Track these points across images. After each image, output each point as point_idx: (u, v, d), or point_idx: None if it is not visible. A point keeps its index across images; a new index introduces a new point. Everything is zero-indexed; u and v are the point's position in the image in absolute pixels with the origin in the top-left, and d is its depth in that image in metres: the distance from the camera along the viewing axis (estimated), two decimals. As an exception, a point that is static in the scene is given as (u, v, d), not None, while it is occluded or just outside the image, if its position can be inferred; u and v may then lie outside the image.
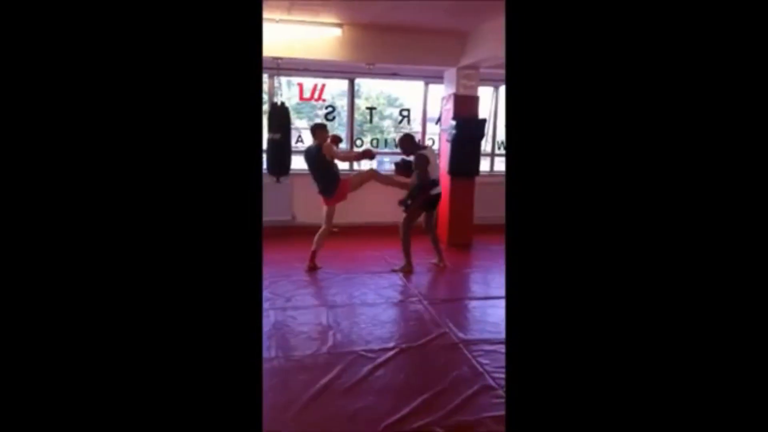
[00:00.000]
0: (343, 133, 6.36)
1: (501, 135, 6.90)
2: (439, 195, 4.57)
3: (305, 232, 4.99)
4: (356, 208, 5.67)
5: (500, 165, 6.94)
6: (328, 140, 4.47)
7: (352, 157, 5.03)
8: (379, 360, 2.79)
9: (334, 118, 6.37)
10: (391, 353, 2.89)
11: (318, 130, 4.44)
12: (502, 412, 2.30)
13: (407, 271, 4.49)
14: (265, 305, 3.53)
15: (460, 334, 3.18)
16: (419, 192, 4.36)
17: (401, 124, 6.53)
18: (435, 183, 4.47)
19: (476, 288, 4.46)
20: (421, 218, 4.60)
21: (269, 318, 3.35)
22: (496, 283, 4.42)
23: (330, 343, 3.01)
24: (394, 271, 4.52)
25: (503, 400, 2.41)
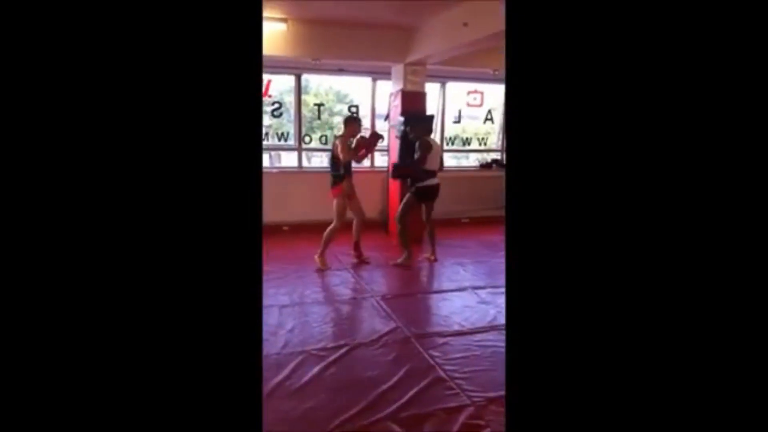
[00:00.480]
0: (291, 130, 6.27)
1: (449, 131, 6.99)
2: (434, 187, 4.57)
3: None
4: (305, 205, 5.60)
5: (449, 161, 7.03)
6: (358, 135, 4.47)
7: (359, 154, 4.48)
8: (331, 358, 2.77)
9: (281, 114, 6.27)
10: (342, 351, 2.87)
11: (347, 122, 4.49)
12: (454, 404, 2.34)
13: (408, 264, 4.61)
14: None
15: (412, 329, 3.20)
16: (408, 175, 4.58)
17: (350, 121, 6.49)
18: (429, 173, 4.49)
19: (428, 282, 4.50)
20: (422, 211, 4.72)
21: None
22: (447, 276, 4.48)
23: (281, 343, 2.95)
24: (395, 265, 4.61)
25: (455, 392, 2.45)
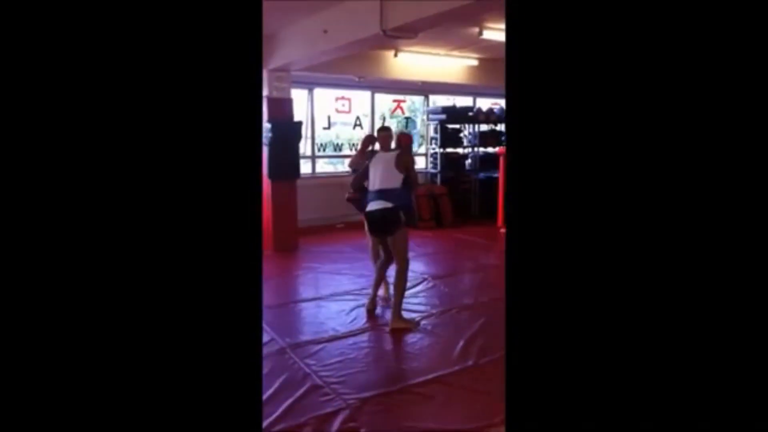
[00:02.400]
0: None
1: (319, 137, 7.00)
2: (374, 213, 3.24)
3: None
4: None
5: (322, 167, 7.05)
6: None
7: (359, 157, 3.59)
8: (200, 379, 2.62)
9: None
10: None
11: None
12: (329, 409, 2.33)
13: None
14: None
15: (287, 339, 3.15)
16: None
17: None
18: (371, 193, 3.29)
19: (304, 290, 4.46)
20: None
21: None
22: (324, 283, 4.47)
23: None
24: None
25: (330, 397, 2.45)
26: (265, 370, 2.75)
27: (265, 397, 2.43)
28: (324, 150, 7.10)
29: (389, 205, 3.17)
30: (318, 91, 6.82)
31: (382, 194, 3.20)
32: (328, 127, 7.10)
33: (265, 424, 2.20)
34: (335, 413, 2.30)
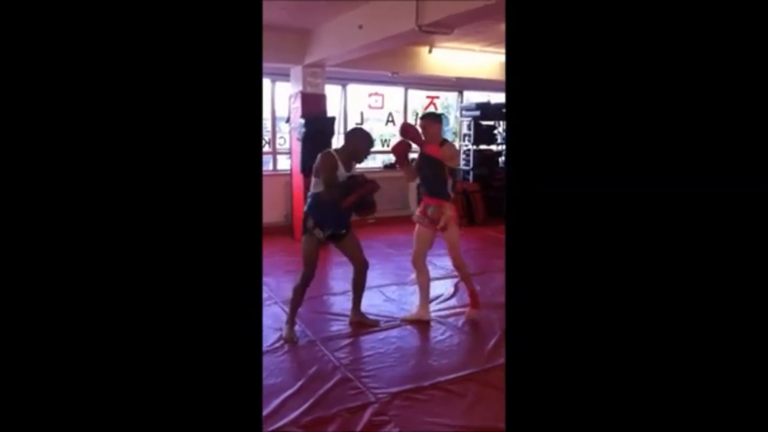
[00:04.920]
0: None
1: (352, 133, 7.03)
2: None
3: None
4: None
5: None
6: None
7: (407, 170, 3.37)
8: (232, 368, 2.67)
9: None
10: (245, 360, 2.77)
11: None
12: (358, 402, 2.35)
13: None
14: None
15: (318, 331, 3.18)
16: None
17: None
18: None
19: (335, 284, 4.48)
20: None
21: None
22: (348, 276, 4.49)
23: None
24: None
25: (359, 390, 2.46)
26: (294, 362, 2.80)
27: (294, 388, 2.46)
28: (356, 145, 7.12)
29: (305, 208, 3.12)
30: (351, 87, 6.84)
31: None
32: (361, 123, 7.12)
33: (294, 414, 2.23)
34: (364, 407, 2.31)
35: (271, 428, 2.13)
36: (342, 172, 2.95)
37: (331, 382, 2.53)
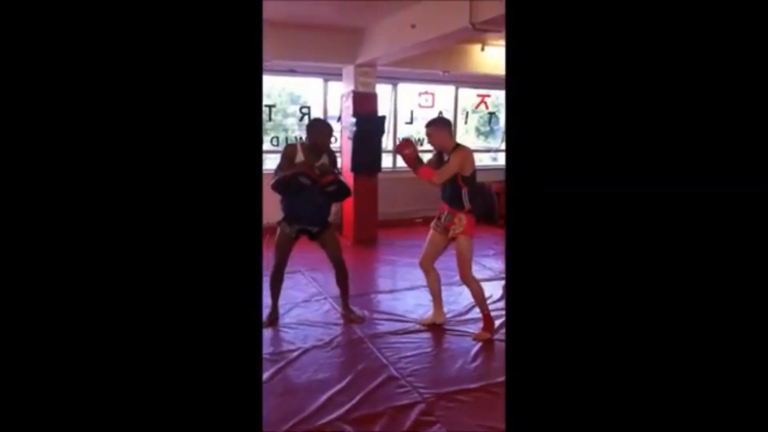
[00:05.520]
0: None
1: (402, 132, 7.04)
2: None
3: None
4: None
5: (402, 162, 7.08)
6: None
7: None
8: (283, 362, 2.74)
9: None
10: (295, 354, 2.84)
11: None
12: (405, 401, 2.36)
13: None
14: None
15: (365, 329, 3.21)
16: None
17: (302, 122, 6.45)
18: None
19: (382, 282, 4.52)
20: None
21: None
22: (401, 275, 4.51)
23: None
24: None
25: (406, 389, 2.47)
26: (342, 358, 2.83)
27: (342, 384, 2.50)
28: (405, 144, 7.13)
29: None
30: (402, 86, 6.85)
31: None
32: (411, 122, 7.12)
33: (342, 410, 2.27)
34: (411, 406, 2.32)
35: (319, 423, 2.18)
36: (300, 159, 3.04)
37: (379, 380, 2.55)
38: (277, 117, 6.49)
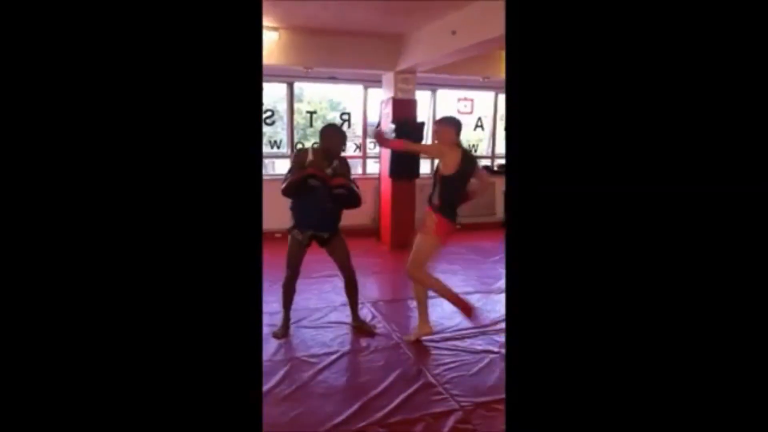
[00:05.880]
0: (283, 137, 6.30)
1: (440, 137, 7.04)
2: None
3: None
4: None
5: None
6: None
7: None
8: (321, 365, 2.79)
9: (273, 122, 6.30)
10: (333, 357, 2.88)
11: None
12: (442, 408, 2.36)
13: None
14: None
15: (403, 334, 3.22)
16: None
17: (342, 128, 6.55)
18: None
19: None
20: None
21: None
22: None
23: (271, 349, 2.97)
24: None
25: (443, 396, 2.47)
26: (380, 363, 2.85)
27: (380, 389, 2.52)
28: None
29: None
30: (441, 92, 6.85)
31: None
32: None
33: (378, 415, 2.29)
34: (448, 413, 2.32)
35: (356, 426, 2.20)
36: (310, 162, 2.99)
37: (415, 386, 2.56)
38: (317, 123, 6.60)
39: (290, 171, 3.01)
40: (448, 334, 3.25)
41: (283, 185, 2.94)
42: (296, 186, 2.91)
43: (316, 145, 3.15)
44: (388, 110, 5.61)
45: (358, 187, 3.05)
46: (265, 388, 2.51)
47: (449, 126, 2.94)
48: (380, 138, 3.18)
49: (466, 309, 3.02)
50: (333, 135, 3.06)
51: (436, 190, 2.92)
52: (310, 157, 3.00)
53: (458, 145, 2.92)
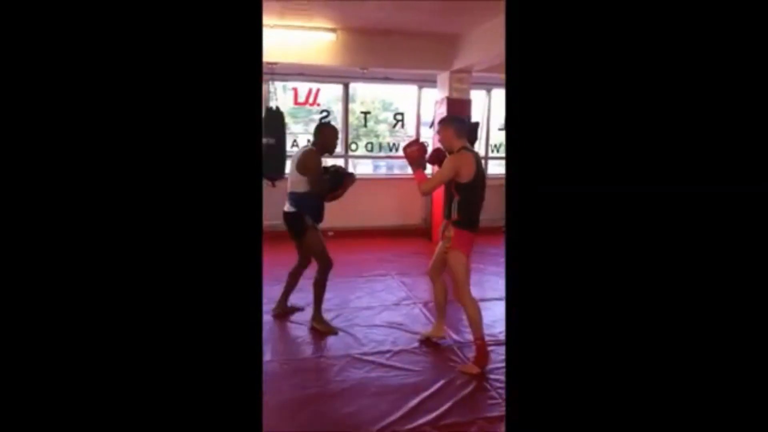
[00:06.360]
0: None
1: (494, 138, 6.94)
2: (286, 215, 3.19)
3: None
4: (349, 211, 5.69)
5: (494, 168, 6.97)
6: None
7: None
8: (373, 363, 2.81)
9: (328, 122, 6.40)
10: (386, 356, 2.90)
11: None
12: (495, 413, 2.33)
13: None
14: (265, 308, 3.55)
15: (455, 336, 3.20)
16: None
17: (395, 128, 6.57)
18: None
19: (474, 290, 4.46)
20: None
21: (265, 322, 3.37)
22: (491, 284, 4.44)
23: (325, 347, 3.02)
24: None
25: (497, 401, 2.44)
26: (433, 364, 2.85)
27: (432, 389, 2.52)
28: (497, 151, 7.02)
29: (291, 209, 3.15)
30: (496, 92, 6.75)
31: (289, 196, 3.18)
32: (504, 129, 6.99)
33: (431, 416, 2.29)
34: (502, 418, 2.28)
35: (408, 426, 2.21)
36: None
37: (469, 389, 2.54)
38: (370, 123, 6.66)
39: (303, 171, 3.09)
40: (501, 338, 3.20)
41: (324, 184, 3.14)
42: (340, 177, 3.26)
43: (310, 143, 3.37)
44: (443, 110, 5.58)
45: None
46: (318, 384, 2.56)
47: (448, 126, 2.75)
48: (411, 158, 2.90)
49: (483, 356, 2.75)
50: (329, 132, 3.22)
51: (454, 201, 2.69)
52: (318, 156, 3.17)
53: (466, 148, 2.70)
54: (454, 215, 2.71)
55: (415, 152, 2.81)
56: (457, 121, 2.80)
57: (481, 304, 3.86)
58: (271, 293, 3.57)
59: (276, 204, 3.44)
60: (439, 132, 2.84)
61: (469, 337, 3.21)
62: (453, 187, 2.69)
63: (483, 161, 6.58)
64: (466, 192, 2.67)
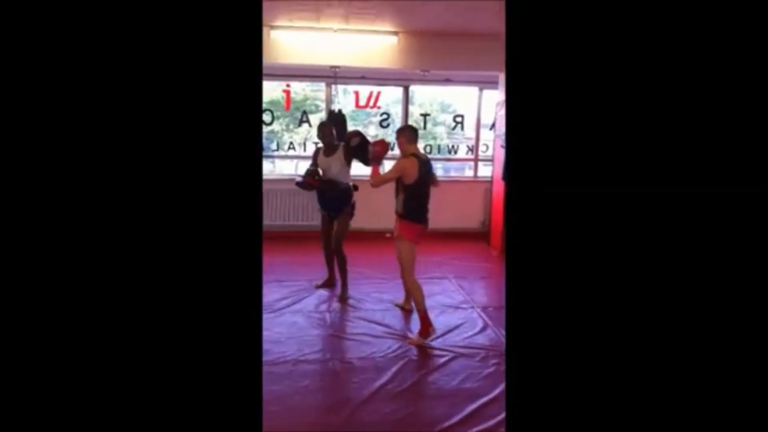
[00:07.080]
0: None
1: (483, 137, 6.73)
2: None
3: (371, 237, 5.05)
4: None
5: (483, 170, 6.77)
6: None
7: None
8: (432, 366, 2.81)
9: (388, 125, 6.45)
10: (443, 359, 2.89)
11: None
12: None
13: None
14: (322, 308, 3.63)
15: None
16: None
17: (454, 131, 6.52)
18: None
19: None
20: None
21: (325, 321, 3.44)
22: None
23: (384, 346, 3.04)
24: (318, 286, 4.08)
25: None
26: (491, 369, 2.81)
27: (490, 396, 2.50)
28: (488, 150, 6.80)
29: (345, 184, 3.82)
30: (487, 92, 6.55)
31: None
32: (491, 128, 6.78)
33: (490, 423, 2.27)
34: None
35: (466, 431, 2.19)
36: (321, 158, 3.84)
37: (528, 398, 2.48)
38: (429, 125, 6.65)
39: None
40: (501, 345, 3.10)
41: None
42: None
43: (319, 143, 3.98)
44: (503, 112, 5.49)
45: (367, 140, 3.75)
46: (377, 384, 2.58)
47: (401, 134, 3.25)
48: (373, 154, 3.41)
49: (426, 328, 3.16)
50: (326, 130, 3.85)
51: (399, 198, 3.19)
52: (321, 153, 3.86)
53: (414, 155, 3.15)
54: (399, 210, 3.20)
55: (380, 150, 3.40)
56: (409, 130, 3.29)
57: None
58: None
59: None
60: (396, 138, 3.32)
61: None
62: (401, 186, 3.17)
63: (474, 163, 6.46)
64: (410, 191, 3.15)
